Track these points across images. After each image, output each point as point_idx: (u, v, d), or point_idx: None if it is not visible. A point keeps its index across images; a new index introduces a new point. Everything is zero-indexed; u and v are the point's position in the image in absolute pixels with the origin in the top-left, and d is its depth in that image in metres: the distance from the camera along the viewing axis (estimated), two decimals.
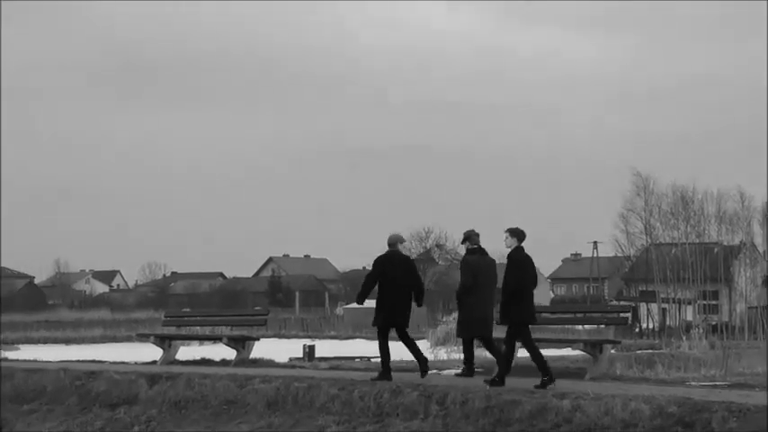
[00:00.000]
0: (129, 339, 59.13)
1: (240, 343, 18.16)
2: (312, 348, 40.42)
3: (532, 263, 13.70)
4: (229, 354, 19.09)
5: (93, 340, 59.03)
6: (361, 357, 40.36)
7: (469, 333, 14.56)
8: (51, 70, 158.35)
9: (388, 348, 14.42)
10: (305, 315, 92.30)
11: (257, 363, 17.96)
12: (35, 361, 20.65)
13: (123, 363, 17.68)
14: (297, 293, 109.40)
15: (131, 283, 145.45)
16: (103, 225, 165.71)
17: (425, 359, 14.68)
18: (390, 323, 14.37)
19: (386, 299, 14.24)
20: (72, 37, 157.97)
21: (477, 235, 14.72)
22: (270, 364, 18.12)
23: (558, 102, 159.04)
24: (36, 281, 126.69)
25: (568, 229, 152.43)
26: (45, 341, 59.46)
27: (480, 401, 12.24)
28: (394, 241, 14.60)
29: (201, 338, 21.91)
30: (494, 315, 14.22)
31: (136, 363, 18.29)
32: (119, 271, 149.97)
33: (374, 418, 12.87)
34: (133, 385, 15.29)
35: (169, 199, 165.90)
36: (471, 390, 12.63)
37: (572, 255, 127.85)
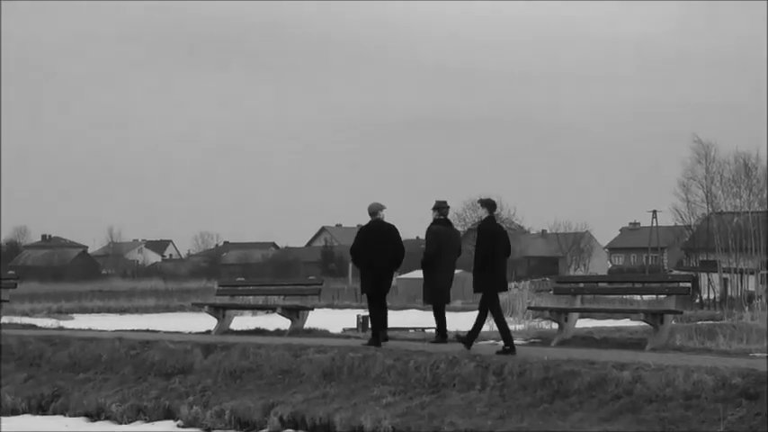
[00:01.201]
0: (181, 309, 59.70)
1: (294, 313, 18.28)
2: (366, 319, 40.52)
3: (504, 233, 14.29)
4: (283, 324, 19.24)
5: (147, 310, 59.64)
6: (415, 328, 40.41)
7: (436, 300, 15.49)
8: (107, 41, 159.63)
9: (378, 315, 15.22)
10: (358, 285, 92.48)
11: (312, 333, 18.08)
12: (90, 330, 20.95)
13: (178, 332, 17.84)
14: (350, 263, 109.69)
15: (184, 253, 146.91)
16: (156, 195, 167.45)
17: (386, 325, 15.39)
18: (377, 290, 15.14)
19: (369, 268, 14.99)
20: (128, 8, 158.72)
21: (448, 207, 15.56)
22: (324, 334, 18.22)
23: (615, 69, 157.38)
24: (89, 250, 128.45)
25: (626, 198, 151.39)
26: (99, 311, 60.19)
27: (538, 372, 12.22)
28: (375, 210, 15.20)
29: (256, 308, 22.10)
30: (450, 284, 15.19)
31: (190, 332, 18.49)
32: (171, 241, 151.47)
33: (430, 389, 12.90)
34: (188, 355, 15.45)
35: (221, 169, 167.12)
36: (529, 360, 12.61)
37: (630, 224, 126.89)
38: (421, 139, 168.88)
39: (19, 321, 27.44)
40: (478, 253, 13.92)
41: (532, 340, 17.92)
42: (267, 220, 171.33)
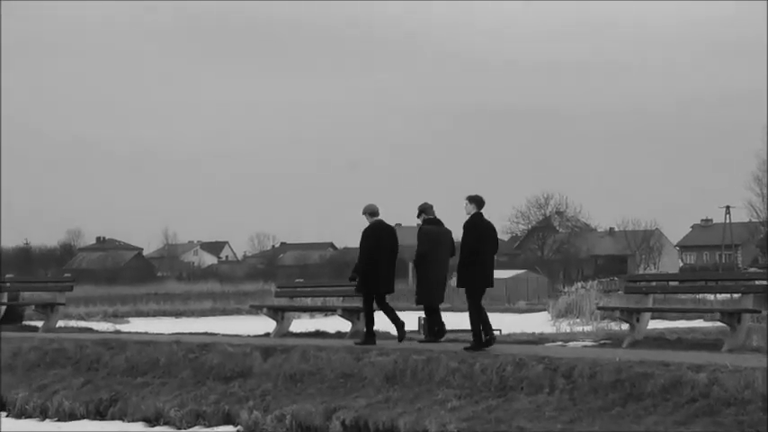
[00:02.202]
0: (238, 312, 60.12)
1: (355, 314, 18.32)
2: (426, 321, 40.49)
3: (492, 228, 14.77)
4: (343, 326, 19.30)
5: (203, 313, 60.23)
6: None
7: (428, 299, 15.91)
8: (152, 36, 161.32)
9: (373, 315, 15.87)
10: None
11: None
12: (147, 333, 21.18)
13: (236, 335, 17.97)
14: (410, 264, 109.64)
15: (240, 255, 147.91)
16: (212, 196, 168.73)
17: (403, 324, 15.99)
18: (381, 290, 15.80)
19: (377, 268, 15.58)
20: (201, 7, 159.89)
21: (432, 207, 15.91)
22: (386, 336, 18.23)
23: (683, 59, 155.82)
24: (144, 252, 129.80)
25: (698, 194, 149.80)
26: (154, 314, 60.94)
27: (609, 375, 12.12)
28: (376, 210, 15.90)
29: (315, 310, 22.17)
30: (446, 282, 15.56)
31: (249, 335, 18.59)
32: (227, 242, 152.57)
33: (496, 392, 12.86)
34: (247, 358, 15.55)
35: (277, 167, 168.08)
36: (600, 362, 12.51)
37: (702, 220, 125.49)
38: (481, 133, 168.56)
39: (75, 325, 27.82)
40: (464, 249, 14.43)
41: (602, 341, 17.80)
42: (325, 220, 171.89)
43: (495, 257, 14.99)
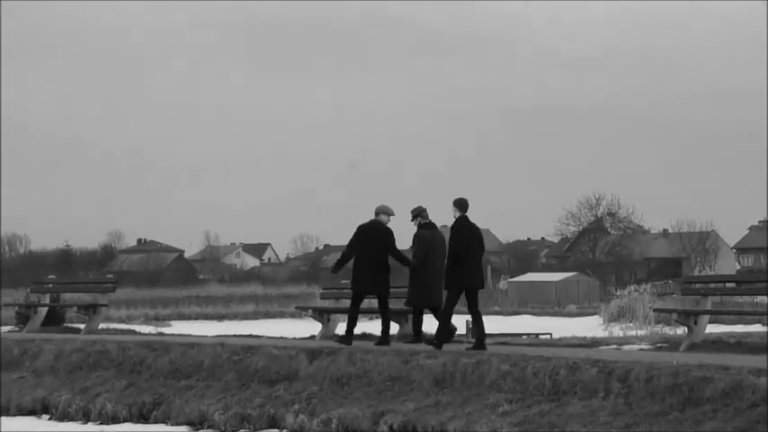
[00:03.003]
0: (281, 315, 60.24)
1: (403, 316, 18.31)
2: (473, 324, 40.36)
3: (477, 230, 15.54)
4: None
5: (246, 316, 60.43)
6: (528, 334, 40.18)
7: (420, 302, 16.32)
8: (196, 37, 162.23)
9: (357, 317, 16.43)
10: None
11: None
12: (190, 336, 21.28)
13: (281, 338, 18.01)
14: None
15: (282, 257, 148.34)
16: (253, 197, 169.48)
17: (388, 331, 16.47)
18: (370, 292, 16.29)
19: (365, 267, 16.00)
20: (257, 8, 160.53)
21: (425, 210, 16.59)
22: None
23: (733, 52, 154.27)
24: (186, 254, 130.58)
25: (755, 195, 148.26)
26: (196, 317, 61.22)
27: (667, 379, 12.02)
28: (379, 211, 16.32)
29: (362, 312, 22.11)
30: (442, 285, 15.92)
31: (294, 338, 18.64)
32: (269, 244, 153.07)
33: (549, 397, 12.80)
34: (293, 361, 15.57)
35: (320, 169, 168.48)
36: (656, 366, 12.41)
37: (760, 222, 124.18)
38: (529, 132, 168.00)
39: (117, 327, 28.02)
40: (450, 251, 15.37)
41: (659, 345, 17.65)
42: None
43: (486, 258, 15.24)
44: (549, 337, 35.66)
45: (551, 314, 61.06)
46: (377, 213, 16.39)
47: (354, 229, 16.31)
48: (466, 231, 15.43)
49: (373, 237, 16.08)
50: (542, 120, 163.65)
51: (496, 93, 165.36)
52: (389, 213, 16.46)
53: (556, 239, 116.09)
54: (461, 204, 15.60)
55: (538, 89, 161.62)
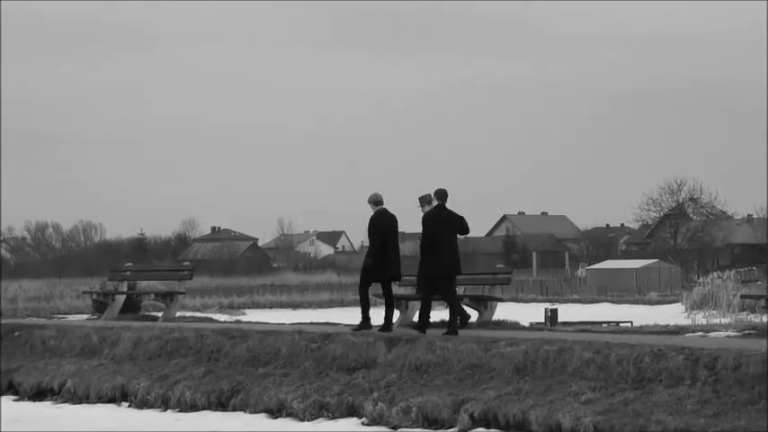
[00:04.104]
0: (356, 304, 60.30)
1: (483, 303, 18.28)
2: (554, 312, 40.19)
3: (453, 218, 16.16)
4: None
5: (320, 305, 60.59)
6: (608, 322, 39.89)
7: (429, 289, 16.50)
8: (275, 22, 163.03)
9: (368, 299, 17.07)
10: (543, 277, 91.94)
11: (501, 325, 18.04)
12: (267, 323, 21.44)
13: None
14: (534, 254, 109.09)
15: (356, 245, 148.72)
16: (327, 185, 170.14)
17: (390, 317, 16.97)
18: (389, 277, 16.81)
19: (387, 254, 16.53)
20: None
21: (429, 195, 16.63)
22: (515, 326, 18.16)
23: None
24: (259, 243, 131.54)
25: None
26: (271, 305, 61.51)
27: (756, 366, 11.89)
28: (380, 200, 16.79)
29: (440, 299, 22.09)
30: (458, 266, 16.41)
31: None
32: (344, 232, 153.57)
33: (634, 384, 12.73)
34: (371, 348, 15.62)
35: (393, 155, 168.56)
36: (745, 353, 12.26)
37: None
38: (608, 118, 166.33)
39: (194, 315, 28.31)
40: (422, 239, 16.17)
41: (746, 332, 17.43)
42: None
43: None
44: (629, 324, 35.37)
45: (631, 302, 60.42)
46: (381, 202, 16.82)
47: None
48: (440, 221, 16.06)
49: (389, 226, 16.76)
50: (623, 105, 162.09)
51: (579, 79, 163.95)
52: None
53: (636, 226, 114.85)
54: (439, 194, 16.25)
55: (619, 75, 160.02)
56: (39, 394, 17.91)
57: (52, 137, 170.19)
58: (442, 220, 16.10)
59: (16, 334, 20.26)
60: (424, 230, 16.15)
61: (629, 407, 12.20)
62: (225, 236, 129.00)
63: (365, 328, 16.74)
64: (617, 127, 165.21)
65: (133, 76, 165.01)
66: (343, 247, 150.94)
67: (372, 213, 16.82)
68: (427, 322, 16.35)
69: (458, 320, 16.44)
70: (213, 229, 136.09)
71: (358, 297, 17.60)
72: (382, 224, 16.66)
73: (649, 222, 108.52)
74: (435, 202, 16.27)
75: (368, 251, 16.98)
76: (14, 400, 17.92)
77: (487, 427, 13.14)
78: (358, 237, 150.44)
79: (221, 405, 15.85)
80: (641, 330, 20.18)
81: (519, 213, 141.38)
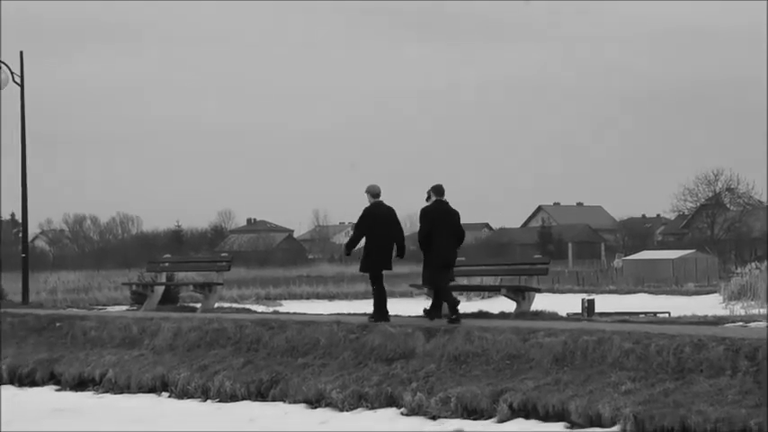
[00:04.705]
0: (391, 294, 60.33)
1: (521, 294, 18.26)
2: (591, 303, 40.10)
3: (448, 213, 16.74)
4: (507, 306, 19.24)
5: (356, 296, 60.69)
6: (645, 313, 39.75)
7: (435, 282, 17.00)
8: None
9: (383, 290, 17.43)
10: (579, 268, 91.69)
11: (539, 315, 18.01)
12: (305, 314, 21.49)
13: (396, 315, 18.06)
14: (570, 245, 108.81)
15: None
16: (362, 175, 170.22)
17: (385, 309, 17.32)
18: (380, 269, 17.19)
19: (374, 247, 17.05)
20: None
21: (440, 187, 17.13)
22: (553, 317, 18.12)
23: None
24: (295, 234, 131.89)
25: None
26: (307, 296, 61.77)
27: None
28: (378, 191, 17.20)
29: (481, 289, 22.13)
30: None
31: (409, 316, 18.67)
32: None
33: (674, 375, 12.67)
34: (409, 339, 15.65)
35: (429, 146, 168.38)
36: None
37: None
38: (643, 108, 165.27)
39: (232, 306, 28.44)
40: (419, 233, 16.81)
41: None
42: (480, 200, 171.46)
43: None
44: (667, 315, 35.22)
45: (668, 293, 60.17)
46: (378, 194, 17.24)
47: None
48: (437, 216, 16.70)
49: (381, 218, 17.16)
50: (660, 95, 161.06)
51: (612, 71, 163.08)
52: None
53: (672, 216, 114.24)
54: (435, 190, 16.88)
55: (653, 65, 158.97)
56: (80, 384, 18.07)
57: (88, 133, 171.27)
58: (439, 214, 16.69)
59: (58, 325, 20.46)
60: (421, 224, 16.82)
61: (669, 397, 12.15)
62: (261, 227, 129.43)
63: (382, 319, 17.12)
64: (654, 117, 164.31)
65: (168, 70, 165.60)
66: None
67: (368, 204, 17.23)
68: (437, 311, 17.09)
69: (449, 309, 16.73)
70: (249, 220, 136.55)
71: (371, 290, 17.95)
72: (379, 215, 17.08)
73: (686, 212, 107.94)
74: (433, 198, 16.83)
75: (349, 240, 17.58)
76: (56, 390, 18.09)
77: (527, 417, 13.13)
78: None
79: (260, 395, 15.92)
80: (680, 321, 20.07)
81: (554, 204, 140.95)
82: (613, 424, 12.18)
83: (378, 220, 17.09)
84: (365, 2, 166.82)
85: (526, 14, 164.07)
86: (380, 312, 17.21)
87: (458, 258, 19.50)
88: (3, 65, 28.32)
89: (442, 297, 17.05)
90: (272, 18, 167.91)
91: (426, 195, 17.18)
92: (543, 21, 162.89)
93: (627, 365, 13.20)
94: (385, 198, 17.33)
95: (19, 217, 67.24)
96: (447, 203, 16.91)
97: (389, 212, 17.28)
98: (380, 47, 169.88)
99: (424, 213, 16.76)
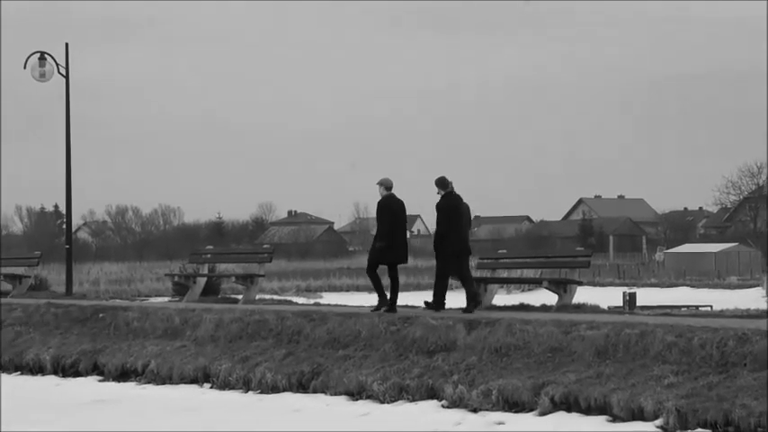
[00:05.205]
0: (431, 288, 60.26)
1: (562, 287, 18.18)
2: (633, 296, 39.92)
3: (460, 206, 17.33)
4: (548, 299, 19.17)
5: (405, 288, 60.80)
6: (687, 306, 39.48)
7: (450, 270, 17.56)
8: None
9: (378, 278, 17.95)
10: (620, 261, 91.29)
11: (581, 308, 17.94)
12: (346, 306, 21.53)
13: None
14: (611, 237, 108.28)
15: (432, 229, 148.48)
16: (404, 167, 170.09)
17: (395, 299, 17.86)
18: (396, 260, 17.68)
19: (395, 238, 17.42)
20: None
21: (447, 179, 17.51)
22: (595, 309, 18.05)
23: None
24: (335, 227, 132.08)
25: None
26: (347, 289, 61.97)
27: None
28: (391, 184, 17.56)
29: (520, 281, 22.04)
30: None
31: (450, 308, 18.66)
32: (419, 215, 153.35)
33: (717, 369, 12.58)
34: (450, 331, 15.62)
35: (469, 137, 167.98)
36: None
37: None
38: (685, 100, 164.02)
39: (273, 298, 28.52)
40: (437, 226, 17.41)
41: None
42: (521, 192, 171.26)
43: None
44: (709, 309, 34.97)
45: (710, 286, 59.84)
46: (388, 188, 17.59)
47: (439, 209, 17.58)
48: (451, 209, 17.22)
49: (398, 210, 17.58)
50: (699, 86, 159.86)
51: (654, 62, 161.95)
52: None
53: (714, 209, 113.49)
54: (440, 183, 17.31)
55: (692, 56, 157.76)
56: (123, 375, 18.18)
57: (132, 123, 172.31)
58: (452, 209, 17.23)
59: (101, 316, 20.60)
60: (438, 219, 17.37)
61: (712, 391, 12.06)
62: (301, 219, 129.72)
63: (384, 305, 17.62)
64: (696, 109, 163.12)
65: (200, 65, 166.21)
66: (419, 231, 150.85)
67: (381, 197, 17.62)
68: (441, 301, 17.72)
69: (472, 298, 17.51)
70: (290, 212, 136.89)
71: (370, 281, 18.47)
72: (395, 209, 17.44)
73: (728, 206, 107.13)
74: (442, 191, 17.28)
75: (377, 235, 17.68)
76: (99, 381, 18.22)
77: (568, 410, 13.08)
78: (434, 221, 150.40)
79: (302, 387, 15.95)
80: (723, 314, 19.91)
81: (595, 197, 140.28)
82: (656, 417, 12.11)
83: (395, 212, 17.48)
84: (365, 2, 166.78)
85: (526, 14, 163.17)
86: (384, 300, 17.71)
87: (500, 251, 19.57)
88: (48, 57, 28.56)
89: (463, 287, 17.57)
90: (272, 18, 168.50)
91: (438, 189, 17.48)
92: (543, 21, 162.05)
93: (670, 359, 13.11)
94: None
95: (62, 208, 67.77)
96: (455, 196, 17.29)
97: (402, 205, 17.66)
98: (381, 47, 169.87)
99: (438, 210, 17.30)
